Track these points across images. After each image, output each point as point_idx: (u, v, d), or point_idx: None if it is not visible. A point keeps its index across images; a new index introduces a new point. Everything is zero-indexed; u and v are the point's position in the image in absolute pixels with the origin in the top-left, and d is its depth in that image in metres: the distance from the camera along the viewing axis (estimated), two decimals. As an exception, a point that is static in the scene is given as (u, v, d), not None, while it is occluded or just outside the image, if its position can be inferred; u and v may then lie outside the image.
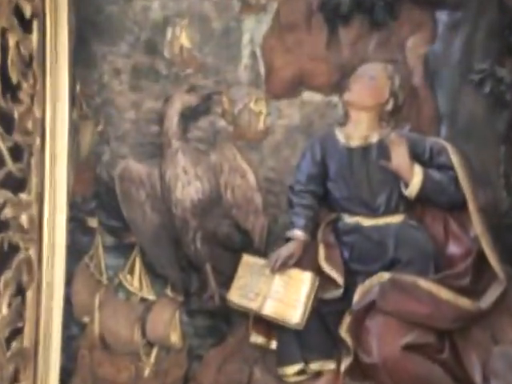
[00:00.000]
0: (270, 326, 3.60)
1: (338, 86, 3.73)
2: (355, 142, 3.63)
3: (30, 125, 3.53)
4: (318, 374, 3.58)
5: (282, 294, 3.53)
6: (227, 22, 3.82)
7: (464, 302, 3.41)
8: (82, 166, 3.83)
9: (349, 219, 3.60)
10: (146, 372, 3.81)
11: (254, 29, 3.81)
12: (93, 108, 3.85)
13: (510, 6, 3.73)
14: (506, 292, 3.45)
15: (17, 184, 3.49)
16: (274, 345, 3.62)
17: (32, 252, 3.56)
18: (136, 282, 3.84)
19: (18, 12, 3.46)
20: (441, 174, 3.55)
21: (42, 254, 3.59)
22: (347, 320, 3.49)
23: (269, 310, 3.54)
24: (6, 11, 3.39)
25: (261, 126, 3.82)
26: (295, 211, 3.60)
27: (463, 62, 3.73)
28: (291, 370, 3.57)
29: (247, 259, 3.65)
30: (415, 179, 3.52)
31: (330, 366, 3.56)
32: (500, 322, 3.46)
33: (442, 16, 3.74)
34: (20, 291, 3.50)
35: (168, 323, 3.80)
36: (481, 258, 3.48)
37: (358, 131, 3.63)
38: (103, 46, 3.84)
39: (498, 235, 3.53)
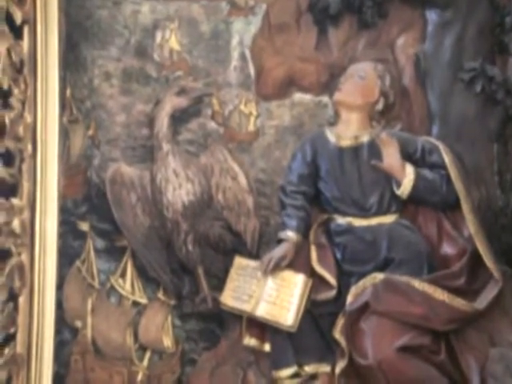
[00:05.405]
0: (263, 329, 3.31)
1: (328, 86, 3.49)
2: (346, 142, 3.34)
3: (21, 130, 3.29)
4: (313, 377, 3.29)
5: (274, 296, 3.25)
6: (216, 24, 3.59)
7: (459, 303, 3.11)
8: (73, 169, 3.56)
9: (341, 220, 3.31)
10: (139, 376, 3.54)
11: (243, 31, 3.58)
12: (83, 112, 3.60)
13: (501, 3, 3.48)
14: (501, 292, 3.15)
15: (8, 189, 3.24)
16: (267, 347, 3.32)
17: (24, 257, 3.29)
18: (128, 285, 3.57)
19: (8, 19, 3.22)
20: (433, 174, 3.26)
21: (34, 258, 3.32)
22: (341, 322, 3.19)
23: (262, 312, 3.24)
24: (-3, 18, 3.19)
25: (251, 127, 3.58)
26: (287, 212, 3.31)
27: (454, 61, 3.48)
28: (285, 373, 3.27)
29: (240, 261, 3.37)
30: (407, 179, 3.23)
31: (325, 368, 3.26)
32: (497, 323, 3.16)
33: (432, 15, 3.50)
34: (12, 297, 3.23)
35: (160, 327, 3.54)
36: (476, 257, 3.18)
37: (348, 131, 3.34)
38: (93, 50, 3.59)
39: (493, 234, 3.28)
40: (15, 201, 3.25)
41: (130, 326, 3.56)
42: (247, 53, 3.58)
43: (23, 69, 3.30)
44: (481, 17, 3.48)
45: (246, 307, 3.27)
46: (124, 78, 3.60)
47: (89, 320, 3.55)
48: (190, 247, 3.53)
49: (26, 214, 3.30)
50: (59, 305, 3.44)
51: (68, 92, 3.55)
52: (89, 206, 3.58)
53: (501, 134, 3.49)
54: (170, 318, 3.55)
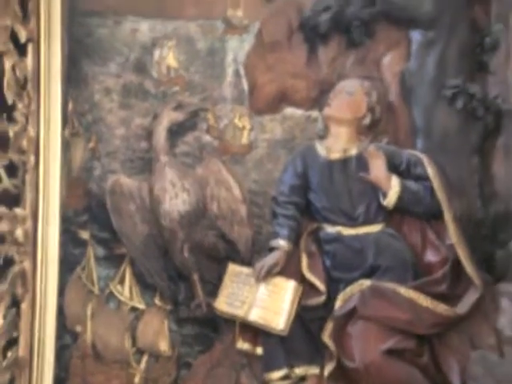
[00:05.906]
0: (255, 333, 3.40)
1: (318, 101, 3.60)
2: (335, 155, 3.46)
3: (24, 143, 3.38)
4: (303, 379, 3.38)
5: (266, 301, 3.35)
6: (212, 42, 3.72)
7: (442, 308, 3.22)
8: (74, 181, 3.66)
9: (330, 229, 3.42)
10: (137, 379, 3.62)
11: (238, 48, 3.70)
12: (84, 126, 3.70)
13: (481, 25, 3.61)
14: (482, 298, 3.26)
15: (12, 200, 3.32)
16: (259, 351, 3.41)
17: (26, 264, 3.37)
18: (126, 291, 3.65)
19: (13, 37, 3.32)
20: (417, 185, 3.38)
21: (37, 266, 3.40)
22: (330, 326, 3.30)
23: (254, 316, 3.35)
24: (3, 36, 3.27)
25: (244, 140, 3.69)
26: (279, 222, 3.41)
27: (437, 78, 3.59)
28: (276, 375, 3.36)
29: (233, 268, 3.46)
30: (393, 190, 3.35)
31: (314, 370, 3.36)
32: (477, 327, 3.27)
33: (416, 35, 3.61)
34: (15, 303, 3.31)
35: (157, 331, 3.62)
36: (457, 265, 3.29)
37: (337, 144, 3.46)
38: (94, 66, 3.71)
39: (474, 243, 3.36)
40: (18, 210, 3.32)
41: (128, 330, 3.63)
42: (241, 69, 3.69)
43: (27, 85, 3.38)
44: (462, 37, 3.59)
45: (239, 312, 3.36)
46: (123, 94, 3.70)
47: (89, 325, 3.62)
48: (186, 255, 3.61)
49: (29, 223, 3.37)
50: (60, 310, 3.50)
51: (70, 106, 3.64)
52: (89, 215, 3.66)
53: (481, 147, 3.59)
54: (166, 323, 3.62)
